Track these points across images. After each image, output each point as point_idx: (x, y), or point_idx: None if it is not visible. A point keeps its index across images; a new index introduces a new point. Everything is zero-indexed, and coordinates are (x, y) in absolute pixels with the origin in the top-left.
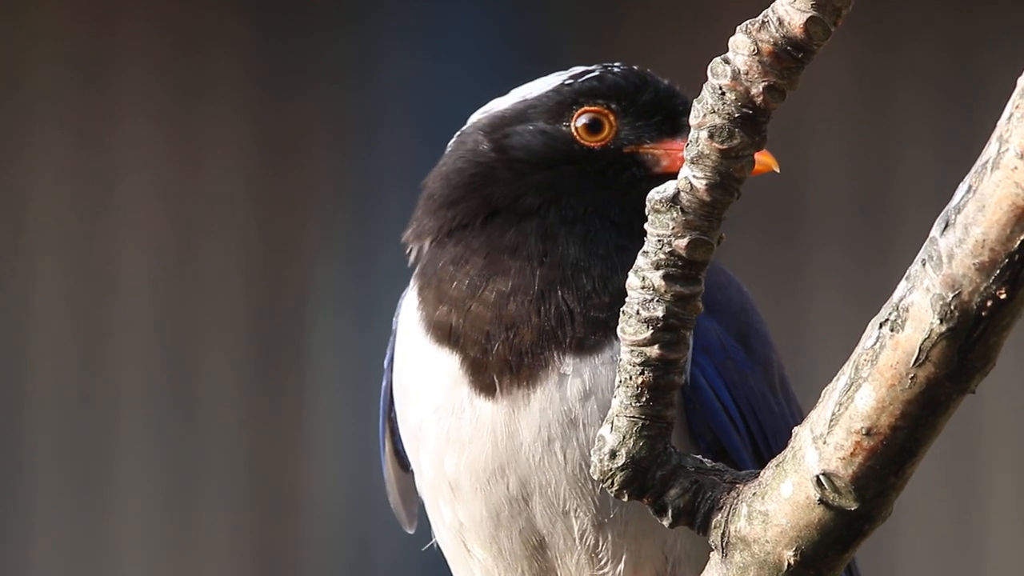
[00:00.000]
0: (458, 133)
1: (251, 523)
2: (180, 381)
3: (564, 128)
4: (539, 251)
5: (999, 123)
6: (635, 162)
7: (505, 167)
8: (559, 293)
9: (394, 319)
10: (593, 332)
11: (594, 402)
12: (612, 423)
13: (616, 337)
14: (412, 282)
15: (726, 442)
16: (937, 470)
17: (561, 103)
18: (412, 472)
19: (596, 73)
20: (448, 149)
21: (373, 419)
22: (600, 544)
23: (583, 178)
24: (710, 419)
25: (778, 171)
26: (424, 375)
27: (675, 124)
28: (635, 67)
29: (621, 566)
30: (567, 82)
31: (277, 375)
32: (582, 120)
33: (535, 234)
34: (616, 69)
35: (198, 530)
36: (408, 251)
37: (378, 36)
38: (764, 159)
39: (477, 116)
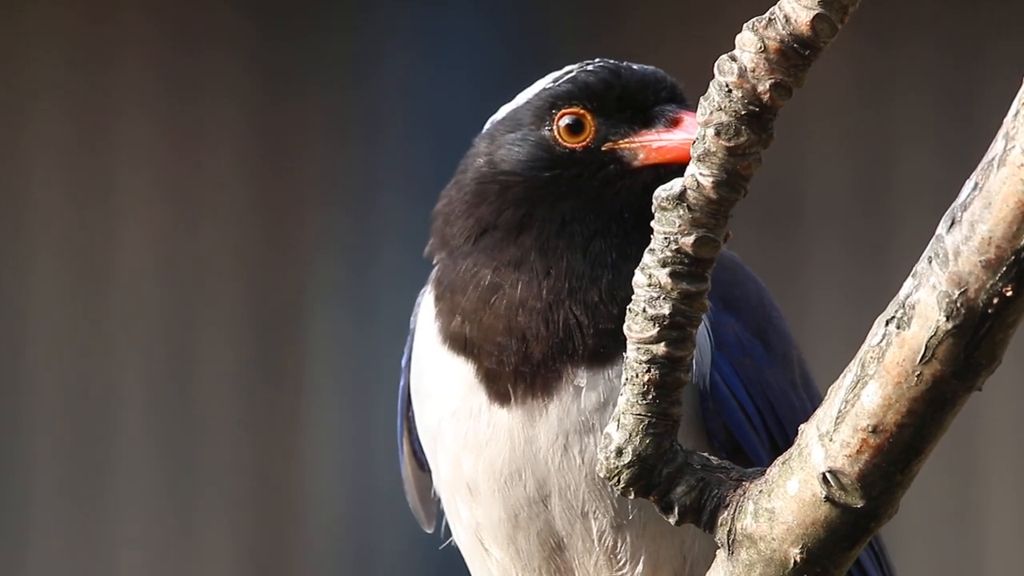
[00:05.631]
0: (473, 142)
1: (249, 520)
2: (179, 378)
3: (547, 133)
4: (543, 266)
5: (1005, 120)
6: (613, 159)
7: (493, 181)
8: (567, 305)
9: (412, 318)
10: (604, 344)
11: (611, 411)
12: (618, 421)
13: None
14: (429, 287)
15: (742, 441)
16: (936, 469)
17: (541, 107)
18: (430, 471)
19: (571, 75)
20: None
21: (371, 417)
22: (619, 545)
23: (561, 183)
24: (726, 417)
25: None
26: (441, 380)
27: (647, 116)
28: (608, 63)
29: (640, 567)
30: (547, 87)
31: (276, 372)
32: (564, 122)
33: (534, 248)
34: (590, 67)
35: (197, 527)
36: (430, 261)
37: (377, 35)
38: None
39: (488, 123)
